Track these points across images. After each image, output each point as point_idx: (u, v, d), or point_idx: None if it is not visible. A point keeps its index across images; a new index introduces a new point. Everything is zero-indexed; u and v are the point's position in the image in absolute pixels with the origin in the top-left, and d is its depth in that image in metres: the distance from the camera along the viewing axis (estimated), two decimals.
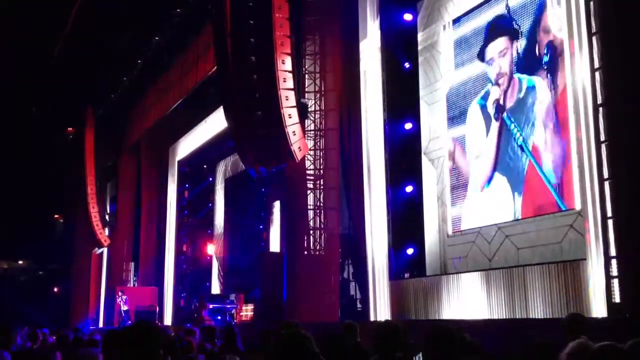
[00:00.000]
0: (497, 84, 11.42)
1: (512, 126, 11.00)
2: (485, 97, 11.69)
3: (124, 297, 23.17)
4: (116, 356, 3.03)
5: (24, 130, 31.11)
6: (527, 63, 10.79)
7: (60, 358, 4.16)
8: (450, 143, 12.44)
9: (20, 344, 9.11)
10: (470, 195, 11.81)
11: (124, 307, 22.71)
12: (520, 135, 10.79)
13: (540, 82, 10.48)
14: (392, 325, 4.75)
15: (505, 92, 11.22)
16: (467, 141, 12.04)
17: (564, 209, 9.81)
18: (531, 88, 10.67)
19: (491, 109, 11.53)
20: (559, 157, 9.99)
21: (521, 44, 10.92)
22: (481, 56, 11.78)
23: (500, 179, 11.16)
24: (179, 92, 22.20)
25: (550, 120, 10.20)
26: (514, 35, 11.09)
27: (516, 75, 11.00)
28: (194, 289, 24.09)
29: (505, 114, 11.20)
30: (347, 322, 6.51)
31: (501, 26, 11.37)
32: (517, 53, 11.01)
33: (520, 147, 10.78)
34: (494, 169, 11.30)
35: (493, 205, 11.23)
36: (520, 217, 10.67)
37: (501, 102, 11.31)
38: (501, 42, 11.40)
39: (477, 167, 11.72)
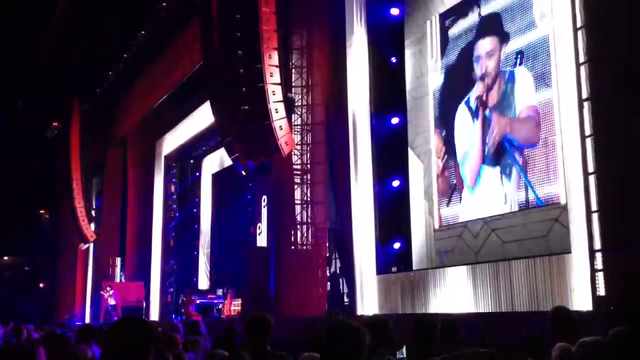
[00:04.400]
0: (481, 79, 11.41)
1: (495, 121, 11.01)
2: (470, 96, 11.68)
3: (111, 291, 23.05)
4: (107, 351, 2.99)
5: (9, 124, 30.85)
6: (512, 58, 10.79)
7: (44, 354, 4.11)
8: (438, 143, 12.40)
9: (5, 340, 9.06)
10: (463, 196, 11.73)
11: (112, 302, 22.62)
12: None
13: (522, 72, 10.48)
14: (376, 320, 4.75)
15: (489, 88, 11.21)
16: (456, 140, 11.99)
17: (540, 204, 9.85)
18: (511, 76, 10.67)
19: (473, 104, 11.53)
20: (542, 151, 10.02)
21: (509, 47, 10.86)
22: (469, 51, 11.72)
23: (489, 171, 11.15)
24: (165, 87, 22.11)
25: (534, 113, 10.22)
26: (503, 38, 11.01)
27: (502, 69, 10.99)
28: (180, 284, 24.04)
29: (487, 111, 11.20)
30: (334, 310, 6.49)
31: (493, 25, 11.24)
32: (505, 55, 10.95)
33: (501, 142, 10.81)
34: (482, 162, 11.30)
35: (484, 199, 11.19)
36: (510, 205, 10.65)
37: (484, 98, 11.30)
38: (490, 42, 11.30)
39: (466, 165, 11.71)
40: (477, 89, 11.46)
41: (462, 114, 11.84)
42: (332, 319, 6.18)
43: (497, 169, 10.88)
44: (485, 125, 11.22)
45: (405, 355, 5.31)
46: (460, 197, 11.70)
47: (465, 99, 11.75)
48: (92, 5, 21.20)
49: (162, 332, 7.68)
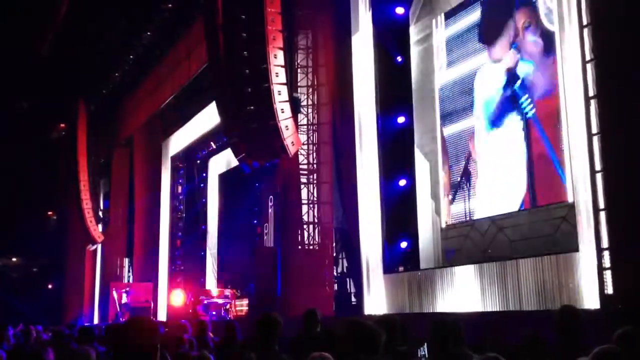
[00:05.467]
0: (513, 49, 11.09)
1: (524, 98, 10.83)
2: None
3: (128, 289, 23.27)
4: (115, 351, 3.00)
5: (16, 126, 30.95)
6: (530, 50, 10.68)
7: (53, 355, 4.13)
8: (444, 141, 12.38)
9: (14, 342, 9.10)
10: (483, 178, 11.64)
11: (124, 300, 22.75)
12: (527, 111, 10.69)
13: (536, 71, 10.40)
14: (389, 319, 4.75)
15: (518, 61, 10.96)
16: (476, 98, 11.76)
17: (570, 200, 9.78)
18: (527, 76, 10.59)
19: (504, 75, 11.20)
20: (550, 147, 10.00)
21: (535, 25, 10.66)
22: (474, 48, 11.60)
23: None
24: (171, 87, 22.14)
25: (543, 110, 10.20)
26: (533, 9, 10.70)
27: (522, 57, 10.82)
28: (188, 284, 24.05)
29: (517, 84, 10.93)
30: (311, 309, 6.43)
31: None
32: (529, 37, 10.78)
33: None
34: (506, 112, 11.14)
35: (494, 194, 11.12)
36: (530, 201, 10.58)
37: (515, 70, 11.02)
38: (522, 14, 11.02)
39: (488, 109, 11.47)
40: (509, 60, 11.18)
41: (488, 73, 11.55)
42: (313, 317, 6.18)
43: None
44: (515, 99, 11.01)
45: (426, 353, 5.30)
46: (466, 194, 11.69)
47: (492, 61, 11.50)
48: (97, 6, 21.25)
49: (168, 332, 7.71)
